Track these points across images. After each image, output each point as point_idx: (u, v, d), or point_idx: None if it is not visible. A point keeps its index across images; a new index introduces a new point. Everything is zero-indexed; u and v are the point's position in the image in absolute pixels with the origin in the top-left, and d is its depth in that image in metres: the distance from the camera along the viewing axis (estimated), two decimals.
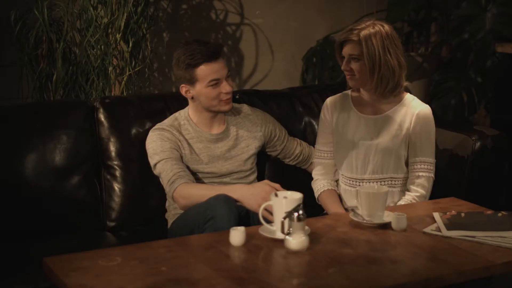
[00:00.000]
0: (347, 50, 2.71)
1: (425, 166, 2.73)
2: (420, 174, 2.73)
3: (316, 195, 2.87)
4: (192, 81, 2.77)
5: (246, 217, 2.63)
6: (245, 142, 2.90)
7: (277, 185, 2.51)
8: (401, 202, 2.73)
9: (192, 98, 2.82)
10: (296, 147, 3.06)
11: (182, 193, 2.65)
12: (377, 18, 2.80)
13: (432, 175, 2.75)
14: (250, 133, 2.93)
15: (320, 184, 2.87)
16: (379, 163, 2.75)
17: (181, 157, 2.79)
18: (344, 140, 2.81)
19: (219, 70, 2.76)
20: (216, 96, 2.78)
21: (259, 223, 2.26)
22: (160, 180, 2.76)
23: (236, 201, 2.53)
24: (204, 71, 2.74)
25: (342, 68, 2.74)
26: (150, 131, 2.85)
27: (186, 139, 2.82)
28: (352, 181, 2.79)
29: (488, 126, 4.00)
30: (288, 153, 3.05)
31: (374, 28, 2.68)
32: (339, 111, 2.85)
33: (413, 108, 2.75)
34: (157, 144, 2.78)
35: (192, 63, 2.74)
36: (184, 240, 2.29)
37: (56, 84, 3.62)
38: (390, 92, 2.74)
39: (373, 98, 2.78)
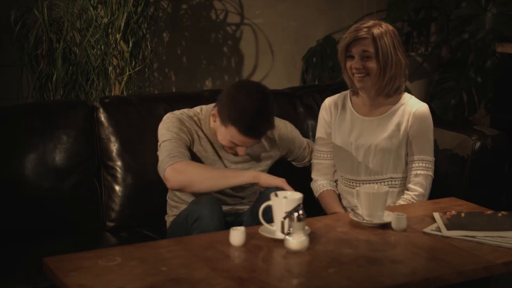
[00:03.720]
0: (359, 47, 2.67)
1: (423, 164, 2.73)
2: (418, 172, 2.73)
3: (316, 195, 2.87)
4: (222, 121, 2.63)
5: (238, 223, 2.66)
6: (260, 164, 2.84)
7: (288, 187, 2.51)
8: (400, 202, 2.73)
9: (214, 121, 2.70)
10: (307, 157, 3.01)
11: (179, 167, 2.54)
12: (378, 18, 2.79)
13: (431, 173, 2.75)
14: (266, 153, 2.86)
15: (319, 184, 2.87)
16: (378, 163, 2.75)
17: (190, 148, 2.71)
18: (343, 141, 2.80)
19: (245, 142, 2.64)
20: (226, 143, 2.67)
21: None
22: (158, 154, 2.66)
23: (222, 202, 2.55)
24: (234, 134, 2.61)
25: (354, 66, 2.68)
26: (169, 113, 2.74)
27: (202, 145, 2.75)
28: (352, 183, 2.79)
29: (488, 126, 3.99)
30: (296, 160, 3.03)
31: (382, 27, 2.68)
32: (338, 112, 2.84)
33: (410, 107, 2.75)
34: (173, 126, 2.68)
35: (231, 122, 2.59)
36: (184, 240, 2.29)
37: (56, 84, 3.62)
38: (394, 92, 2.74)
39: (373, 98, 2.77)
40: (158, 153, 2.67)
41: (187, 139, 2.69)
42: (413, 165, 2.74)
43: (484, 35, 4.15)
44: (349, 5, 4.79)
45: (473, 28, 4.18)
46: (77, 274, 1.95)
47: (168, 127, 2.68)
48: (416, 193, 2.72)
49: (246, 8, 4.51)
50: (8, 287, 2.45)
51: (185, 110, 2.80)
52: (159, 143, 2.68)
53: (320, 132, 2.90)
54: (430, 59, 4.72)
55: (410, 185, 2.74)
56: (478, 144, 2.96)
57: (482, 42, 4.15)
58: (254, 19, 4.55)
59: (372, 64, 2.67)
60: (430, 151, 2.75)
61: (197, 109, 2.82)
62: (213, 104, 2.74)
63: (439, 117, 4.20)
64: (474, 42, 4.18)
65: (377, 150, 2.74)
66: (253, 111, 2.58)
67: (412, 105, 2.75)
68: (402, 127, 2.74)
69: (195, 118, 2.76)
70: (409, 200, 2.72)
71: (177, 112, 2.76)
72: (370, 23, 2.69)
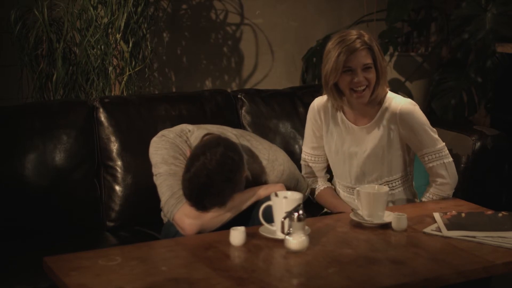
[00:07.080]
0: (359, 60, 2.57)
1: (432, 156, 2.64)
2: (430, 165, 2.65)
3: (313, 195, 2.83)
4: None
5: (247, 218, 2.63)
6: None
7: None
8: (423, 199, 2.69)
9: None
10: None
11: (188, 211, 2.39)
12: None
13: (445, 160, 2.64)
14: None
15: (315, 184, 2.83)
16: (373, 170, 2.69)
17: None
18: (337, 150, 2.74)
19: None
20: None
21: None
22: (156, 184, 2.53)
23: None
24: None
25: (357, 80, 2.57)
26: (160, 136, 2.58)
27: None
28: (350, 189, 2.74)
29: (488, 126, 4.00)
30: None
31: (366, 34, 2.60)
32: (328, 117, 2.76)
33: (394, 109, 2.65)
34: (169, 155, 2.52)
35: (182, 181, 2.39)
36: (184, 240, 2.29)
37: (56, 84, 3.62)
38: (382, 98, 2.67)
39: (361, 108, 2.68)
40: (156, 182, 2.51)
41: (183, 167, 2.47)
42: (423, 160, 2.67)
43: (484, 35, 4.15)
44: (349, 5, 4.79)
45: (473, 28, 4.18)
46: (77, 274, 1.95)
47: (163, 155, 2.51)
48: (437, 189, 2.67)
49: (246, 8, 4.51)
50: (8, 287, 2.45)
51: (175, 129, 2.62)
52: (154, 173, 2.52)
53: (310, 135, 2.82)
54: (430, 59, 4.72)
55: (430, 180, 2.69)
56: (478, 144, 2.96)
57: (482, 42, 4.15)
58: (254, 19, 4.55)
59: (371, 75, 2.59)
60: (432, 141, 2.64)
61: (186, 127, 2.63)
62: (202, 132, 2.57)
63: (439, 117, 4.21)
64: (474, 42, 4.18)
65: (370, 157, 2.68)
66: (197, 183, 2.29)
67: (396, 106, 2.65)
68: (393, 130, 2.66)
69: (184, 137, 2.57)
70: (433, 194, 2.67)
71: (170, 134, 2.57)
72: (355, 32, 2.59)
